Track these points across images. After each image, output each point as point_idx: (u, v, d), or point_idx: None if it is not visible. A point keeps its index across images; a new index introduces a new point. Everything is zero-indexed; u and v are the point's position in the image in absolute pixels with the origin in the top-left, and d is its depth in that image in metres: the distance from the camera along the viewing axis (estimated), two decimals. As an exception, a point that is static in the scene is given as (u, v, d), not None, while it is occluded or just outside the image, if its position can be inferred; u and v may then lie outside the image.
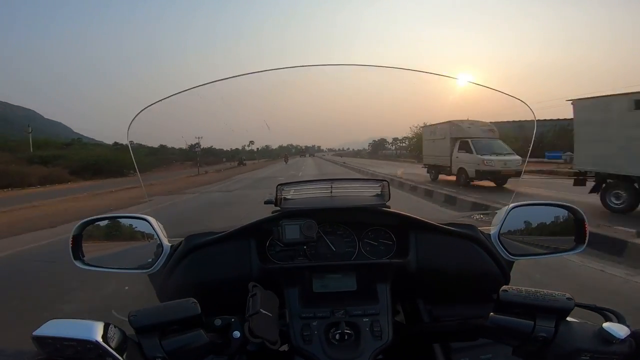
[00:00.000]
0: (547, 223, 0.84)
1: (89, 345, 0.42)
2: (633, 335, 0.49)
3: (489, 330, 0.55)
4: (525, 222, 0.84)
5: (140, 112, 0.84)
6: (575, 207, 0.82)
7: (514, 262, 0.84)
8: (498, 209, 0.88)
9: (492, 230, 0.83)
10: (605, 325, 0.48)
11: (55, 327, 0.43)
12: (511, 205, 0.83)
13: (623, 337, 0.47)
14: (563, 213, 0.83)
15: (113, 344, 0.44)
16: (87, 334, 0.42)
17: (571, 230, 0.81)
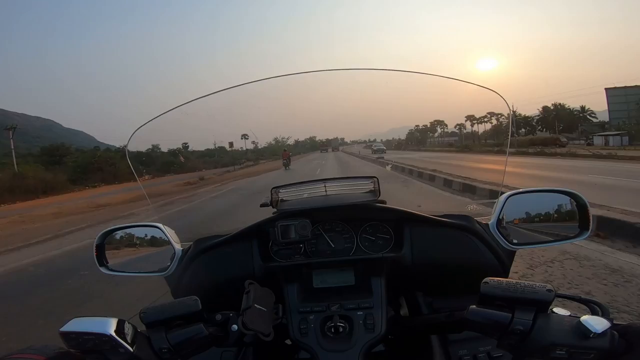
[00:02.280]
0: (549, 210, 0.86)
1: (104, 338, 0.52)
2: (615, 328, 0.50)
3: (471, 323, 0.57)
4: (526, 210, 0.87)
5: (143, 125, 0.97)
6: (576, 192, 0.83)
7: (514, 251, 0.87)
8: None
9: (491, 220, 0.87)
10: (583, 318, 0.49)
11: (78, 324, 0.53)
12: (507, 193, 0.85)
13: (600, 332, 0.47)
14: (564, 199, 0.84)
15: (126, 338, 0.54)
16: (102, 329, 0.52)
17: (574, 216, 0.83)
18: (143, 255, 0.96)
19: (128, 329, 0.55)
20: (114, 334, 0.52)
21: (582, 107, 57.10)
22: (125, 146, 1.15)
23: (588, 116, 56.64)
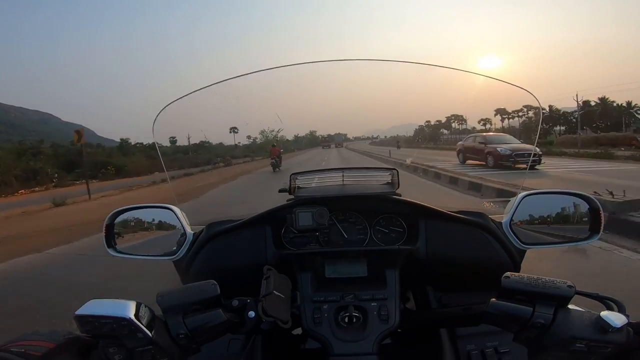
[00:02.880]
0: (561, 212, 0.88)
1: (123, 322, 0.50)
2: (630, 324, 0.52)
3: (490, 316, 0.59)
4: (538, 210, 0.89)
5: (163, 109, 0.95)
6: (590, 195, 0.86)
7: (525, 250, 0.89)
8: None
9: (504, 218, 0.89)
10: (603, 314, 0.51)
11: (95, 307, 0.51)
12: (523, 193, 0.88)
13: (619, 326, 0.50)
14: (577, 201, 0.87)
15: (144, 322, 0.53)
16: (122, 312, 0.50)
17: (586, 219, 0.85)
18: (152, 238, 0.96)
19: (145, 312, 0.54)
20: (133, 318, 0.51)
21: (629, 103, 50.45)
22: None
23: (635, 113, 50.68)
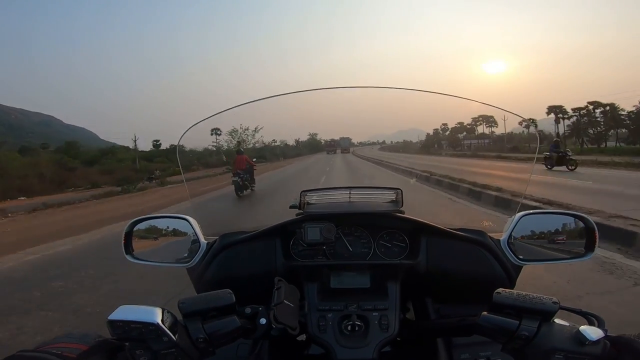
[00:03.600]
0: (558, 230, 0.95)
1: (151, 327, 0.56)
2: (608, 338, 0.58)
3: (481, 328, 0.66)
4: (536, 229, 0.96)
5: (186, 131, 1.06)
6: (585, 215, 0.93)
7: (522, 267, 0.96)
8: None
9: (502, 236, 0.96)
10: (582, 328, 0.57)
11: (125, 312, 0.56)
12: (520, 213, 0.95)
13: (594, 340, 0.55)
14: (573, 221, 0.94)
15: (167, 326, 0.59)
16: (150, 318, 0.56)
17: (581, 237, 0.92)
18: (167, 246, 1.04)
19: (168, 317, 0.60)
20: (160, 323, 0.57)
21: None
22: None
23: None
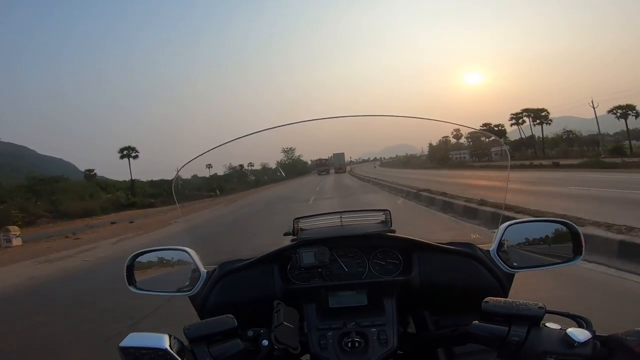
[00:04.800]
0: (545, 237, 1.03)
1: (160, 352, 0.61)
2: (597, 338, 0.62)
3: (474, 336, 0.71)
4: (525, 237, 1.03)
5: (181, 168, 1.16)
6: (569, 221, 1.00)
7: (513, 274, 1.02)
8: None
9: (491, 247, 1.02)
10: (569, 330, 0.62)
11: (135, 339, 0.63)
12: (506, 223, 1.02)
13: (582, 341, 0.59)
14: (559, 227, 1.01)
15: (175, 351, 0.64)
16: (158, 343, 0.62)
17: (568, 242, 0.99)
18: (168, 276, 1.11)
19: (175, 343, 0.66)
20: (169, 348, 0.63)
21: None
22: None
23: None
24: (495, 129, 53.35)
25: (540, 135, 53.99)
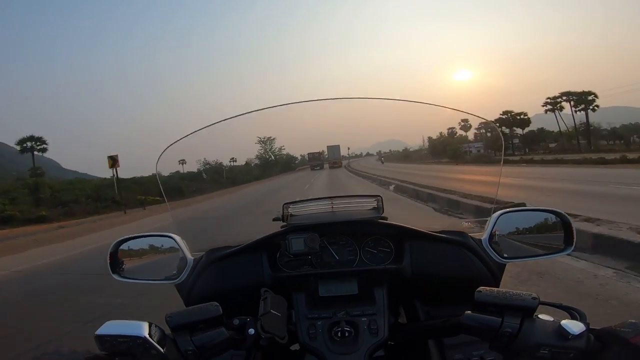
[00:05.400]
0: (537, 227, 1.03)
1: (139, 341, 0.60)
2: (592, 331, 0.61)
3: (466, 327, 0.69)
4: (516, 227, 1.03)
5: (165, 150, 1.11)
6: (561, 211, 1.00)
7: (505, 265, 1.02)
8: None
9: (483, 236, 1.02)
10: (563, 322, 0.61)
11: (113, 327, 0.61)
12: (499, 212, 1.02)
13: (577, 334, 0.59)
14: (551, 217, 1.01)
15: (155, 340, 0.63)
16: (137, 332, 0.60)
17: (559, 232, 1.00)
18: (154, 263, 1.09)
19: (156, 331, 0.64)
20: (147, 337, 0.61)
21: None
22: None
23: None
24: (518, 118, 49.86)
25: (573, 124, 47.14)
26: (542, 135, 52.04)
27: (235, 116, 1.19)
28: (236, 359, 0.99)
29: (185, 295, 1.04)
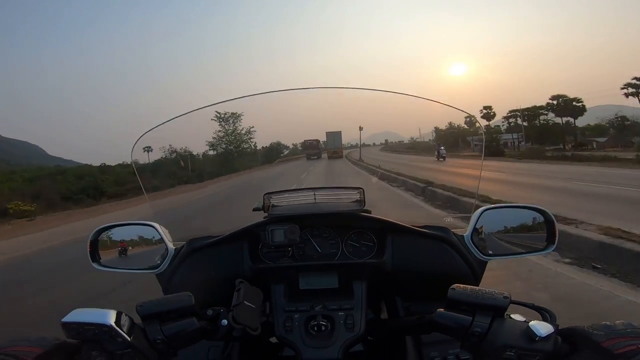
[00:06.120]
0: (520, 224, 1.04)
1: (104, 329, 0.61)
2: (559, 333, 0.61)
3: (438, 325, 0.70)
4: (499, 223, 1.04)
5: (142, 135, 1.11)
6: (544, 208, 1.01)
7: (486, 262, 1.03)
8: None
9: (466, 232, 1.03)
10: (532, 323, 0.60)
11: (79, 315, 0.61)
12: (482, 208, 1.02)
13: (544, 335, 0.58)
14: (533, 214, 1.02)
15: (124, 328, 0.64)
16: (103, 319, 0.61)
17: (543, 230, 1.01)
18: (135, 253, 1.10)
19: (125, 320, 0.65)
20: (113, 325, 0.62)
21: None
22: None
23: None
24: (572, 104, 43.38)
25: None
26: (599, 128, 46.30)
27: (217, 103, 1.21)
28: (213, 349, 1.00)
29: (165, 285, 1.05)
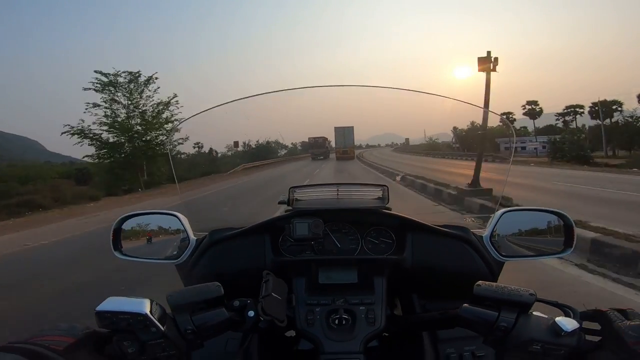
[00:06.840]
0: (538, 227, 1.07)
1: (139, 317, 0.62)
2: (583, 329, 0.65)
3: (462, 320, 0.73)
4: (517, 226, 1.07)
5: (181, 123, 1.16)
6: (564, 212, 1.04)
7: (504, 263, 1.07)
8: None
9: (485, 232, 1.06)
10: (557, 319, 0.64)
11: (114, 304, 0.63)
12: (502, 210, 1.05)
13: (570, 331, 0.62)
14: (552, 218, 1.05)
15: (156, 317, 0.65)
16: (138, 308, 0.63)
17: (560, 234, 1.04)
18: (156, 242, 1.13)
19: (156, 310, 0.67)
20: (149, 314, 0.63)
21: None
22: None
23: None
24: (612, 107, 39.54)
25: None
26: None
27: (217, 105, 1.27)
28: (231, 341, 1.03)
29: (185, 275, 1.08)
